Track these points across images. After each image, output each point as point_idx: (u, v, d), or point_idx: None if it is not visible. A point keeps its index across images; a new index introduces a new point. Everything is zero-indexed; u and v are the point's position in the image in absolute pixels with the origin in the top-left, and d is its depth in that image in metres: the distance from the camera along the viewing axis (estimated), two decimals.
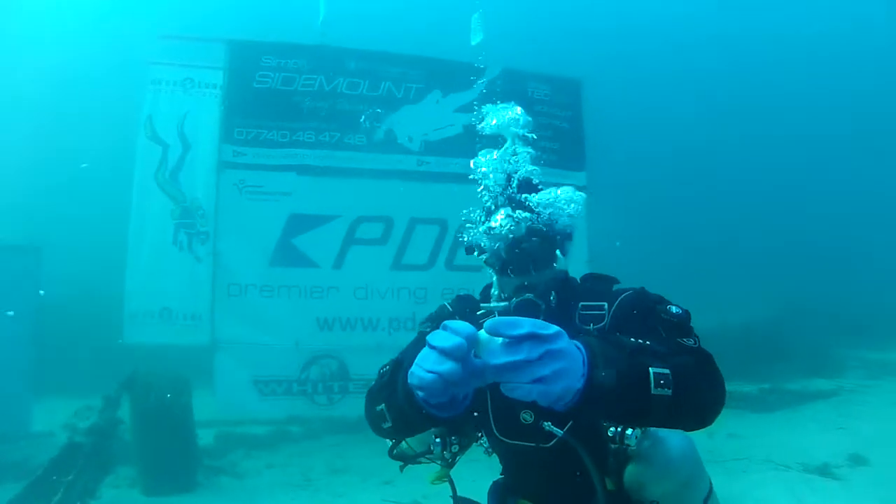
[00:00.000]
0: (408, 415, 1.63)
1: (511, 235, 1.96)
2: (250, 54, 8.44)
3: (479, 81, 8.87)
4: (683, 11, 28.48)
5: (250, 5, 21.45)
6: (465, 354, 1.37)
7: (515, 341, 1.35)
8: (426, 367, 1.40)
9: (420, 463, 2.22)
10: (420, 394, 1.47)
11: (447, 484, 2.19)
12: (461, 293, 2.26)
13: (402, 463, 2.28)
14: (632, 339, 1.56)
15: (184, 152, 8.12)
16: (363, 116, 8.46)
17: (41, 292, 8.56)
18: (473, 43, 9.30)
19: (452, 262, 8.69)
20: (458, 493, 2.18)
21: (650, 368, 1.47)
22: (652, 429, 1.86)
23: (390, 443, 2.17)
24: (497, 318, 1.41)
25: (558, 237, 2.05)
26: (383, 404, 1.76)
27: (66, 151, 20.06)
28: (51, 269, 9.35)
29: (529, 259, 1.97)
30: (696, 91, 28.84)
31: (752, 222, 26.42)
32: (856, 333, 14.27)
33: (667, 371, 1.47)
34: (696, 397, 1.56)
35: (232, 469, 7.62)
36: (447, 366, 1.37)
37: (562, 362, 1.35)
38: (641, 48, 28.17)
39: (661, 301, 1.90)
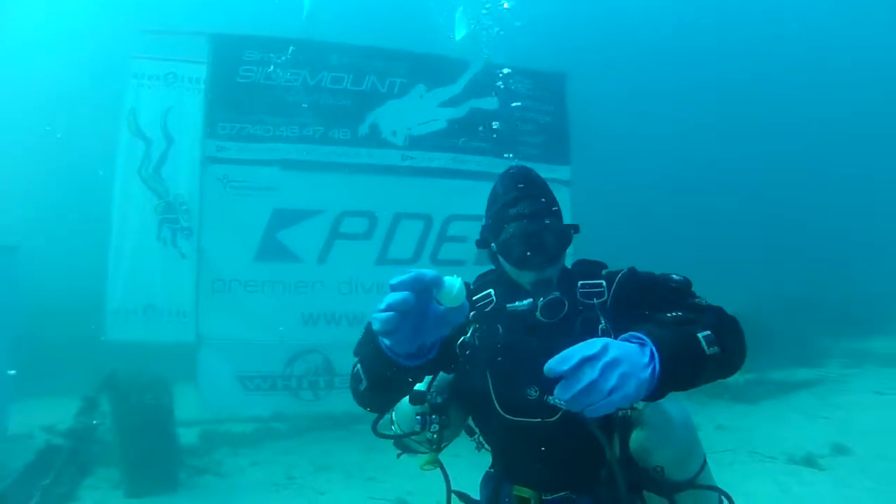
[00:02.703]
0: (377, 368, 1.66)
1: (532, 232, 1.99)
2: (233, 48, 8.37)
3: (463, 76, 8.87)
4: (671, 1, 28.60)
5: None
6: (418, 287, 1.44)
7: (574, 371, 1.48)
8: (382, 306, 1.46)
9: (416, 453, 2.22)
10: (386, 342, 1.53)
11: (432, 479, 2.20)
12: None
13: (399, 451, 2.29)
14: (667, 315, 1.74)
15: (167, 147, 8.07)
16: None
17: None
18: (458, 38, 9.31)
19: (437, 257, 8.69)
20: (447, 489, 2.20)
21: (697, 334, 1.64)
22: None
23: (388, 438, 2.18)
24: (549, 362, 1.51)
25: (572, 231, 2.09)
26: (360, 365, 1.78)
27: (45, 147, 19.88)
28: (30, 267, 9.22)
29: (548, 254, 2.01)
30: (682, 83, 28.94)
31: (735, 214, 26.58)
32: (836, 323, 14.40)
33: (709, 332, 1.65)
34: (734, 347, 1.75)
35: (216, 468, 7.57)
36: (399, 295, 1.43)
37: (621, 367, 1.49)
38: (626, 40, 28.25)
39: (661, 274, 2.02)
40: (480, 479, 2.24)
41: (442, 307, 1.49)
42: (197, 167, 8.12)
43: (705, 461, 2.05)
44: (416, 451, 2.21)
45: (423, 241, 8.67)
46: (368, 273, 8.47)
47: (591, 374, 1.46)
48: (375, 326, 1.49)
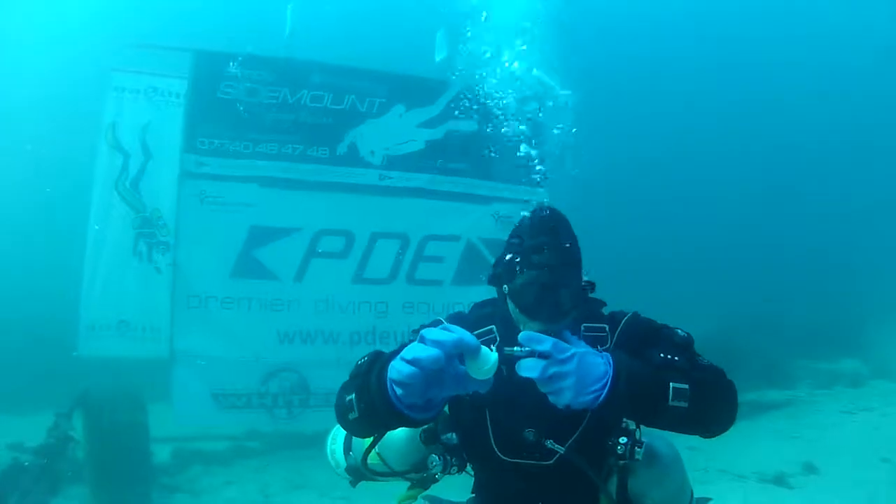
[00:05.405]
0: (377, 409, 1.59)
1: (550, 285, 1.96)
2: (215, 65, 8.34)
3: (443, 97, 8.93)
4: (652, 18, 28.93)
5: (216, 16, 21.30)
6: (455, 352, 1.41)
7: (540, 358, 1.62)
8: (408, 357, 1.42)
9: (376, 479, 2.23)
10: (398, 390, 1.48)
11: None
12: (454, 312, 2.30)
13: (352, 479, 2.28)
14: (661, 355, 1.79)
15: (145, 161, 8.00)
16: None
17: None
18: (438, 59, 9.37)
19: (413, 277, 8.68)
20: None
21: (671, 383, 1.68)
22: (645, 439, 1.99)
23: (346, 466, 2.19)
24: (530, 332, 1.66)
25: (586, 289, 2.10)
26: (353, 394, 1.71)
27: (15, 158, 19.59)
28: None
29: (560, 309, 1.98)
30: (651, 110, 29.26)
31: (703, 234, 26.81)
32: (807, 344, 14.60)
33: (685, 386, 1.69)
34: (712, 409, 1.80)
35: (189, 486, 7.51)
36: (431, 353, 1.38)
37: (567, 382, 1.59)
38: (604, 61, 28.58)
39: (665, 326, 2.06)
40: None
41: (463, 369, 1.44)
42: (175, 182, 8.07)
43: (692, 494, 2.20)
44: (375, 478, 2.22)
45: (400, 261, 8.66)
46: (345, 292, 8.45)
47: (544, 372, 1.59)
48: (392, 375, 1.47)
